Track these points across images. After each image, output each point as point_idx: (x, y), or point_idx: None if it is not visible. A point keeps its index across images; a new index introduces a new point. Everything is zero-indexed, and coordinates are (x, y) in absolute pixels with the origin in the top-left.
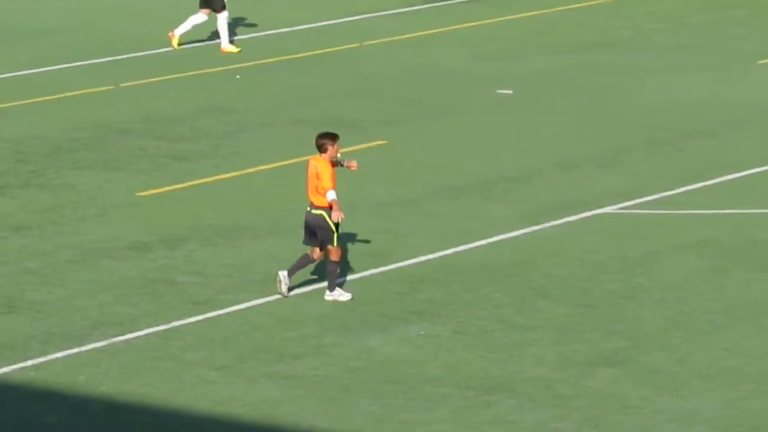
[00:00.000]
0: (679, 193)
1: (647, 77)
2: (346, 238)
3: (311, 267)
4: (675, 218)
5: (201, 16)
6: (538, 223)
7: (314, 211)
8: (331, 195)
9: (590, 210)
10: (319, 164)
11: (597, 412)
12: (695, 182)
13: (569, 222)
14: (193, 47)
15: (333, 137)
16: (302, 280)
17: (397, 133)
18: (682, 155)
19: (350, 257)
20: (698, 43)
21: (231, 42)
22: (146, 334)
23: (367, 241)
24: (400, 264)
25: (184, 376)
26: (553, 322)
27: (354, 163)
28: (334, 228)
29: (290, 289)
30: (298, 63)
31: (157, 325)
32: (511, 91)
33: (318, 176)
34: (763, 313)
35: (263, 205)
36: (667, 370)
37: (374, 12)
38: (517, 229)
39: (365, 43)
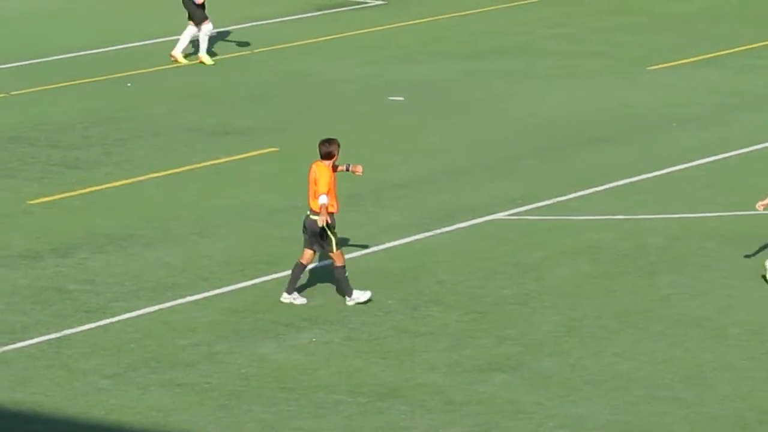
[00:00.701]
0: (570, 199)
1: (540, 84)
2: (237, 245)
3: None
4: (566, 224)
5: (192, 29)
6: (429, 230)
7: (312, 216)
8: (323, 199)
9: (482, 216)
10: (319, 169)
11: (489, 417)
12: (586, 188)
13: (461, 228)
14: (85, 55)
15: (338, 143)
16: (197, 288)
17: (288, 140)
18: (573, 161)
19: (241, 264)
20: (590, 49)
21: (208, 53)
22: (38, 343)
23: (258, 248)
24: None
25: (75, 385)
26: (445, 328)
27: (359, 168)
28: (331, 235)
29: (300, 290)
30: (189, 71)
31: (49, 334)
32: (402, 98)
33: (316, 182)
34: (654, 318)
35: (155, 213)
36: (559, 375)
37: (266, 19)
38: (409, 235)
39: (256, 51)
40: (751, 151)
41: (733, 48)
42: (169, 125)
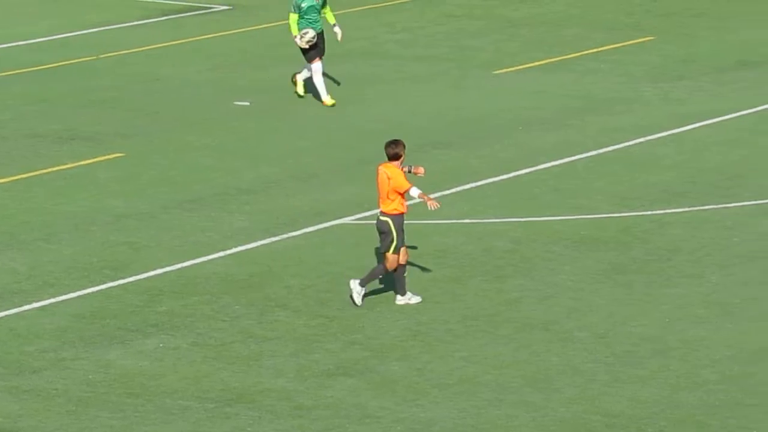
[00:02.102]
0: (416, 203)
1: (386, 88)
2: (83, 251)
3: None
4: (413, 228)
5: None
6: (276, 235)
7: (382, 218)
8: (415, 191)
9: (329, 221)
10: (389, 170)
11: (337, 422)
12: (433, 192)
13: (308, 233)
14: None
15: (403, 144)
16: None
17: (134, 145)
18: (420, 165)
19: (87, 270)
20: (435, 53)
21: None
22: None
23: (104, 254)
24: (139, 276)
25: None
26: (292, 333)
27: (421, 170)
28: (395, 237)
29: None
30: (34, 76)
31: None
32: (248, 103)
33: (390, 179)
34: (501, 321)
35: (0, 219)
36: (406, 379)
37: (111, 24)
38: (255, 240)
39: (102, 56)
40: (597, 155)
41: (578, 52)
42: (13, 130)
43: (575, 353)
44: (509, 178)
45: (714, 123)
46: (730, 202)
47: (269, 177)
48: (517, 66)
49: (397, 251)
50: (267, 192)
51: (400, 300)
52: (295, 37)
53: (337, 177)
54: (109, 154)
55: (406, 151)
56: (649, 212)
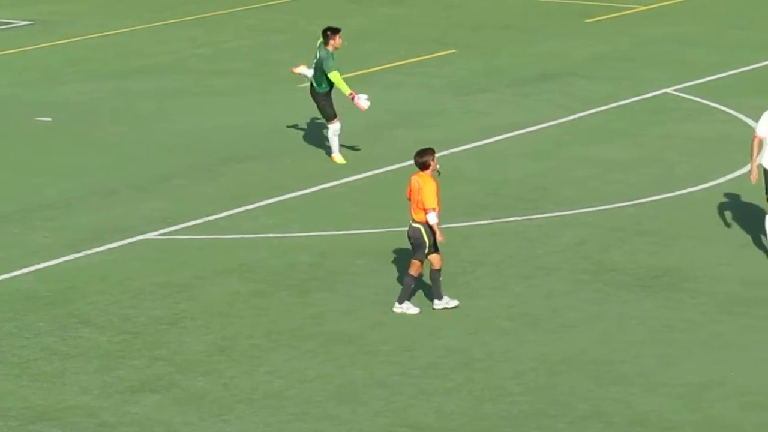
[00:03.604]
0: (221, 218)
1: (188, 102)
2: None
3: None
4: (217, 243)
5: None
6: (79, 251)
7: (414, 224)
8: (432, 219)
9: (132, 236)
10: (422, 180)
11: None
12: (236, 207)
13: (111, 248)
14: None
15: (432, 152)
16: None
17: None
18: (223, 180)
19: None
20: (238, 67)
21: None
22: None
23: None
24: None
25: None
26: (97, 349)
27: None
28: (427, 245)
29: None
30: None
31: None
32: (49, 119)
33: (420, 191)
34: (305, 336)
35: None
36: (212, 394)
37: None
38: (59, 256)
39: None
40: (401, 168)
41: (383, 65)
42: None
43: (381, 366)
44: (314, 191)
45: (517, 135)
46: (533, 214)
47: (72, 193)
48: None
49: (425, 258)
50: (70, 208)
51: (438, 304)
52: (355, 97)
53: (141, 192)
54: None
55: (434, 156)
56: (453, 225)
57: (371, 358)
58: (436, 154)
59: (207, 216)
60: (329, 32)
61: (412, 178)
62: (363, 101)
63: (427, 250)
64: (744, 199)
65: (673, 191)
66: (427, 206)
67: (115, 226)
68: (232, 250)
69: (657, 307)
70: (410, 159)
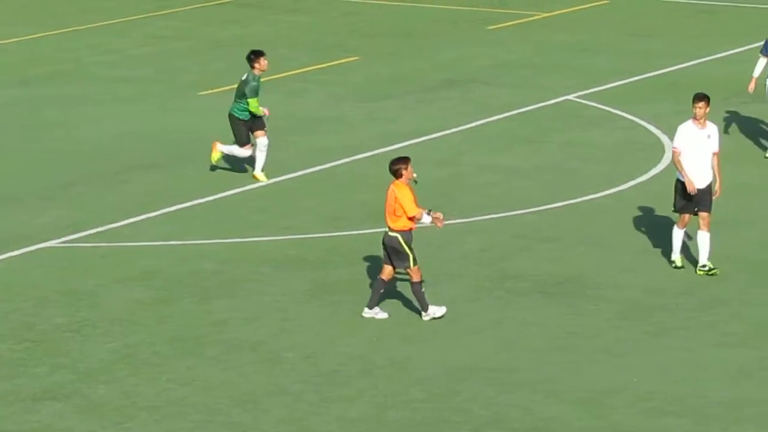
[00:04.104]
0: (123, 226)
1: (91, 109)
2: None
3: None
4: (119, 251)
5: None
6: None
7: (390, 233)
8: (425, 219)
9: (34, 244)
10: (396, 188)
11: None
12: (139, 214)
13: (12, 257)
14: None
15: (406, 160)
16: None
17: None
18: (125, 187)
19: None
20: (140, 75)
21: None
22: None
23: None
24: None
25: None
26: None
27: (440, 218)
28: (408, 251)
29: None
30: None
31: None
32: None
33: (397, 200)
34: (208, 343)
35: None
36: (114, 402)
37: None
38: None
39: None
40: (304, 174)
41: (284, 72)
42: None
43: (283, 373)
44: (216, 199)
45: (420, 142)
46: None
47: None
48: (223, 87)
49: (416, 263)
50: None
51: (368, 313)
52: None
53: (42, 200)
54: None
55: (408, 165)
56: (356, 232)
57: (274, 365)
58: (337, 161)
59: (109, 224)
60: (252, 55)
61: (389, 186)
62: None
63: (411, 264)
64: (646, 205)
65: (575, 198)
66: (410, 215)
67: (17, 233)
68: (134, 258)
69: (559, 314)
70: (312, 166)
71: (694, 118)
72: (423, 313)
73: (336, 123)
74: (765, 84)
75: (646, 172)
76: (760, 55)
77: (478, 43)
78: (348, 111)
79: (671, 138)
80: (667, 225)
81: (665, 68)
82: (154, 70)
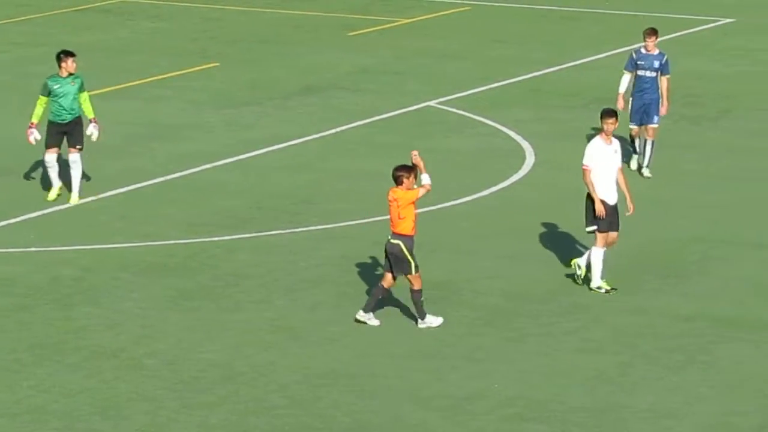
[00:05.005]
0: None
1: None
2: None
3: None
4: None
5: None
6: None
7: (393, 241)
8: (426, 178)
9: None
10: (396, 194)
11: None
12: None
13: None
14: None
15: (409, 169)
16: None
17: None
18: None
19: None
20: None
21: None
22: None
23: None
24: None
25: None
26: None
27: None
28: (410, 258)
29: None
30: None
31: None
32: None
33: (397, 201)
34: (69, 350)
35: None
36: None
37: None
38: None
39: None
40: (164, 181)
41: (143, 79)
42: None
43: (144, 380)
44: (76, 205)
45: (280, 148)
46: (297, 227)
47: None
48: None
49: (418, 270)
50: None
51: (362, 317)
52: (32, 128)
53: None
54: None
55: (411, 176)
56: (217, 238)
57: (135, 372)
58: (197, 167)
59: None
60: (62, 55)
61: (388, 192)
62: (32, 136)
63: (413, 271)
64: (507, 212)
65: (437, 204)
66: (416, 198)
67: None
68: None
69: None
70: (172, 173)
71: (604, 133)
72: (419, 321)
73: (196, 129)
74: (628, 100)
75: (506, 178)
76: (624, 71)
77: (339, 50)
78: (208, 117)
79: (532, 144)
80: (528, 231)
81: (527, 74)
82: (11, 75)
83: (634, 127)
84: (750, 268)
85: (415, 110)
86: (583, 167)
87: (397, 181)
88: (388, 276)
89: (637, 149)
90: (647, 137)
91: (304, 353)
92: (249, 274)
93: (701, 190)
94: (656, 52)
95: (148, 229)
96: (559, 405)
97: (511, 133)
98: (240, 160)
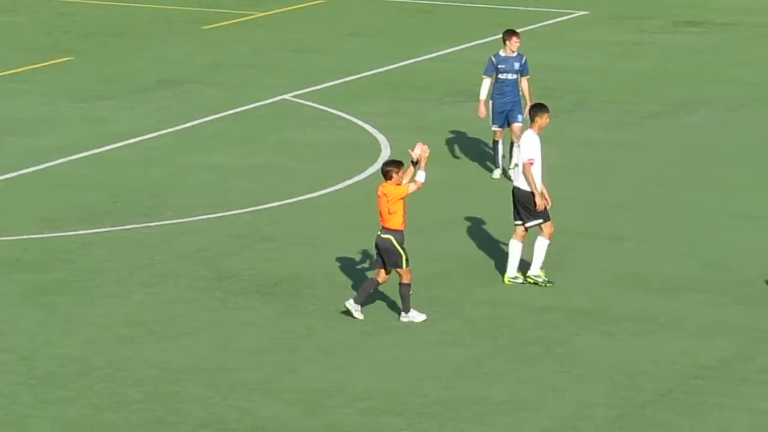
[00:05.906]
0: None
1: None
2: None
3: None
4: None
5: None
6: None
7: (383, 235)
8: (421, 175)
9: None
10: (386, 189)
11: None
12: None
13: None
14: None
15: (399, 165)
16: None
17: None
18: None
19: None
20: None
21: None
22: None
23: None
24: None
25: None
26: None
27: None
28: (401, 251)
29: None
30: None
31: None
32: None
33: (386, 196)
34: None
35: None
36: None
37: None
38: None
39: None
40: (18, 176)
41: None
42: None
43: None
44: None
45: (135, 142)
46: (152, 221)
47: None
48: None
49: (408, 264)
50: None
51: (351, 305)
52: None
53: None
54: None
55: (400, 170)
56: (72, 233)
57: None
58: (52, 162)
59: None
60: None
61: (378, 188)
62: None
63: (404, 265)
64: (363, 204)
65: (292, 197)
66: (406, 193)
67: None
68: None
69: (276, 313)
70: (26, 167)
71: (539, 128)
72: (402, 314)
73: (50, 123)
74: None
75: (362, 171)
76: (484, 76)
77: (193, 43)
78: (62, 111)
79: (387, 137)
80: None
81: (381, 67)
82: None
83: (497, 129)
84: (606, 260)
85: (270, 104)
86: (529, 161)
87: (387, 176)
88: (382, 272)
89: (499, 157)
90: (514, 139)
91: (160, 348)
92: (105, 268)
93: (558, 183)
94: (515, 54)
95: (2, 224)
96: (416, 398)
97: (367, 126)
98: (95, 154)
